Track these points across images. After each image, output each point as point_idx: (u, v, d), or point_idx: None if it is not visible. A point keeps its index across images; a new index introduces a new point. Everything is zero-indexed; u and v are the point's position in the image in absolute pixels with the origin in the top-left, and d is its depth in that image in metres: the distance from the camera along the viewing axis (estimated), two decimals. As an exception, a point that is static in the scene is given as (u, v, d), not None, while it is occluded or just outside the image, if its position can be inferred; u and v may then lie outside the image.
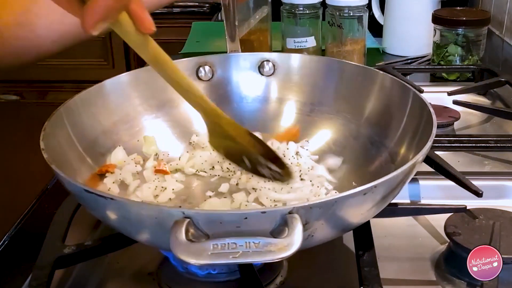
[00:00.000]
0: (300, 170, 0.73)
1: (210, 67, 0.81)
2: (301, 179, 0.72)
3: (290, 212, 0.46)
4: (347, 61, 0.83)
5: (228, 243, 0.45)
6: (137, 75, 0.79)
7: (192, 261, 0.44)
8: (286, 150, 0.76)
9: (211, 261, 0.44)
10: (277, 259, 0.44)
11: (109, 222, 0.55)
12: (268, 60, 0.82)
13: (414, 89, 0.69)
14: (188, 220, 0.46)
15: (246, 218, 0.46)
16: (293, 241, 0.45)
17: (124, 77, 0.77)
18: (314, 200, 0.48)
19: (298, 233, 0.45)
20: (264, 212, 0.47)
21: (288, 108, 0.82)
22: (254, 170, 0.64)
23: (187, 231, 0.46)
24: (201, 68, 0.81)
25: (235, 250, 0.44)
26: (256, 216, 0.47)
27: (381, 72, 0.76)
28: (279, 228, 0.46)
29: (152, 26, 0.50)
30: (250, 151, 0.64)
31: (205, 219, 0.47)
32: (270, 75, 0.82)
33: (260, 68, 0.82)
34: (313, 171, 0.73)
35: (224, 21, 0.84)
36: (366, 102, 0.76)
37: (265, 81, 0.82)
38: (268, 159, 0.64)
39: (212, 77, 0.82)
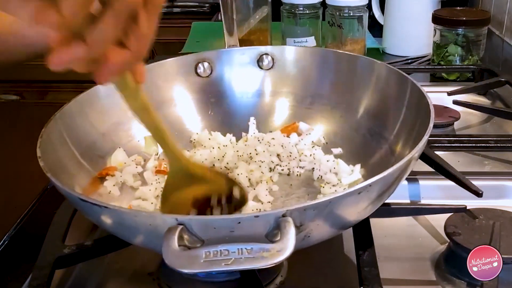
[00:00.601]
0: (300, 160, 0.74)
1: (208, 63, 0.81)
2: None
3: (283, 215, 0.46)
4: (345, 52, 0.82)
5: (221, 250, 0.45)
6: None
7: (184, 270, 0.44)
8: (288, 144, 0.76)
9: (203, 269, 0.44)
10: (270, 265, 0.44)
11: (105, 228, 0.55)
12: (267, 54, 0.82)
13: (412, 79, 0.69)
14: (181, 226, 0.46)
15: (239, 222, 0.46)
16: (286, 246, 0.44)
17: None
18: (308, 202, 0.47)
19: (291, 238, 0.45)
20: (257, 216, 0.46)
21: (288, 102, 0.82)
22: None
23: (181, 237, 0.46)
24: (200, 65, 0.81)
25: (228, 257, 0.44)
26: (249, 220, 0.46)
27: (379, 62, 0.76)
28: (274, 231, 0.46)
29: (144, 77, 0.51)
30: (214, 189, 0.62)
31: (198, 225, 0.47)
32: (269, 68, 0.82)
33: (259, 62, 0.82)
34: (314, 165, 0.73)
35: (222, 16, 0.84)
36: (364, 93, 0.76)
37: (265, 75, 0.82)
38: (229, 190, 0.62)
39: (211, 73, 0.81)
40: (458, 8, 1.24)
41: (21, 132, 2.08)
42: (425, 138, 0.57)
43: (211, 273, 0.59)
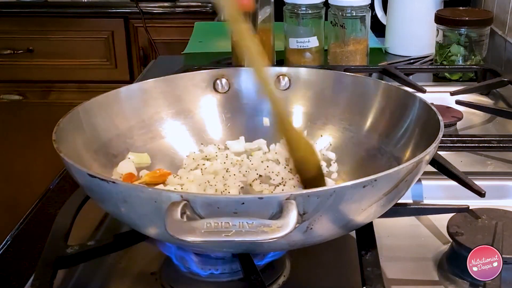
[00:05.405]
0: None
1: (227, 79, 0.82)
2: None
3: (287, 199, 0.47)
4: (361, 76, 0.83)
5: (222, 222, 0.45)
6: (155, 84, 0.79)
7: (184, 237, 0.45)
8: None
9: (204, 238, 0.45)
10: (270, 239, 0.45)
11: (112, 208, 0.55)
12: (284, 75, 0.82)
13: (422, 98, 0.69)
14: (185, 202, 0.47)
15: (243, 203, 0.47)
16: (287, 223, 0.45)
17: (139, 85, 0.78)
18: (312, 189, 0.48)
19: (293, 216, 0.46)
20: (261, 198, 0.47)
21: (302, 122, 0.82)
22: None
23: (183, 213, 0.46)
24: (218, 81, 0.82)
25: (228, 229, 0.45)
26: (253, 201, 0.47)
27: (396, 87, 0.76)
28: (277, 215, 0.47)
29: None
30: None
31: (202, 203, 0.47)
32: (286, 89, 0.83)
33: (276, 82, 0.82)
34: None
35: None
36: (376, 113, 0.75)
37: (281, 95, 0.83)
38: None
39: (228, 90, 0.82)
40: (461, 8, 1.24)
41: (24, 132, 2.09)
42: (434, 144, 0.57)
43: (214, 272, 0.59)
